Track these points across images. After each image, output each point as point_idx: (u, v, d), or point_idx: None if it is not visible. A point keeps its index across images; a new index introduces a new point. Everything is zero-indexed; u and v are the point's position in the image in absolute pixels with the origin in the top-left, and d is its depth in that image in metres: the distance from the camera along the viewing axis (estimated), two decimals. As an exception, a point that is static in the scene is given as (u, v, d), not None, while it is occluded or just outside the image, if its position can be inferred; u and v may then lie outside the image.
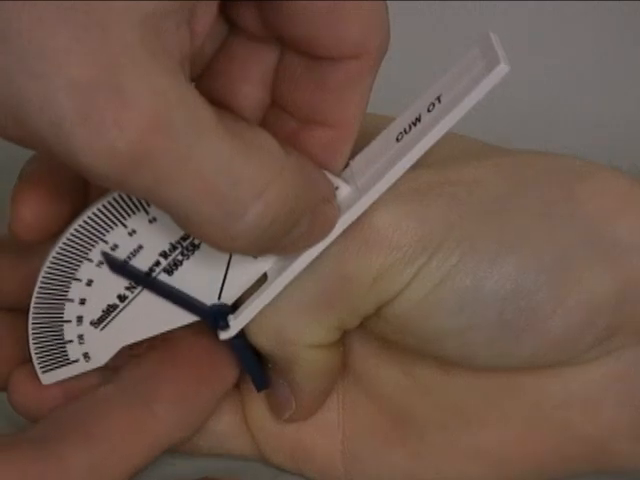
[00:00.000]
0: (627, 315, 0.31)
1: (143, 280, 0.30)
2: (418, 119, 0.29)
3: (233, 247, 0.27)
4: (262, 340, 0.31)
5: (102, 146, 0.23)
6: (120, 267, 0.30)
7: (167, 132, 0.24)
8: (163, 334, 0.32)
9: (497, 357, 0.31)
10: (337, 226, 0.30)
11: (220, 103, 0.29)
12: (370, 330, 0.32)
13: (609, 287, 0.30)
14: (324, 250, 0.30)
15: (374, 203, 0.30)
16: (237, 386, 0.34)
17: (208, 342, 0.33)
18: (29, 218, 0.29)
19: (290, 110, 0.29)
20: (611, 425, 0.32)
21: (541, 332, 0.30)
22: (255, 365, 0.33)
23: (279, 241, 0.28)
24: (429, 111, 0.29)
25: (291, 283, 0.30)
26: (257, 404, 0.34)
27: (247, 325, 0.31)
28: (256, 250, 0.28)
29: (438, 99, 0.29)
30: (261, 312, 0.31)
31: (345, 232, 0.30)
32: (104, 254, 0.30)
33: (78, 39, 0.23)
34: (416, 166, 0.30)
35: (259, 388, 0.33)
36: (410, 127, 0.29)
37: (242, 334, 0.32)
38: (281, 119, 0.30)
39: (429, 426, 0.33)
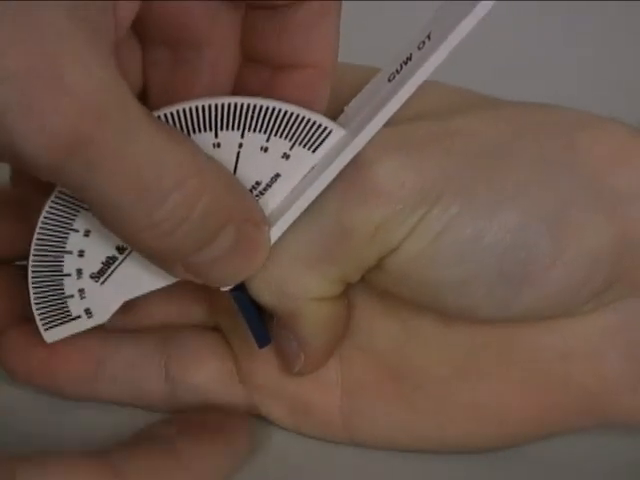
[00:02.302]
0: (626, 266, 0.30)
1: None
2: (409, 58, 0.29)
3: (151, 238, 0.27)
4: (265, 295, 0.31)
5: (44, 133, 0.24)
6: None
7: (103, 118, 0.24)
8: None
9: (497, 309, 0.30)
10: (332, 169, 0.30)
11: (191, 67, 0.30)
12: (371, 283, 0.32)
13: (608, 237, 0.30)
14: (323, 202, 0.30)
15: (374, 155, 0.29)
16: (226, 339, 0.35)
17: (221, 417, 0.33)
18: None
19: (262, 60, 0.30)
20: (611, 377, 0.32)
21: (541, 283, 0.30)
22: (257, 320, 0.32)
23: (200, 250, 0.28)
24: (419, 49, 0.29)
25: (292, 238, 0.30)
26: (255, 360, 0.34)
27: (250, 281, 0.31)
28: (174, 249, 0.28)
29: (428, 37, 0.29)
30: (263, 267, 0.31)
31: (345, 185, 0.30)
32: None
33: (12, 31, 0.23)
34: (416, 118, 0.30)
35: (260, 344, 0.33)
36: (401, 66, 0.30)
37: (244, 288, 0.32)
38: (255, 71, 0.30)
39: (428, 380, 0.33)
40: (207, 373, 0.34)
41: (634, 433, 0.34)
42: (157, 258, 0.29)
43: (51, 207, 0.30)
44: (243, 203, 0.29)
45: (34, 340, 0.32)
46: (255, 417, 0.35)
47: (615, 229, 0.30)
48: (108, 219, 0.27)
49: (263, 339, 0.33)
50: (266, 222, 0.30)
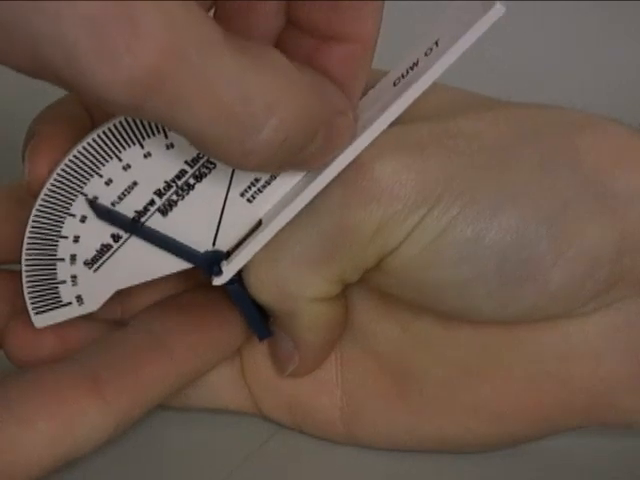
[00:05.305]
0: (626, 267, 0.30)
1: (130, 227, 0.30)
2: (415, 64, 0.29)
3: (249, 163, 0.27)
4: (264, 295, 0.31)
5: (117, 76, 0.23)
6: (106, 213, 0.30)
7: (179, 56, 0.24)
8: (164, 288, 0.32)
9: (497, 309, 0.30)
10: (331, 169, 0.30)
11: (235, 23, 0.30)
12: (370, 284, 0.32)
13: (609, 238, 0.30)
14: (324, 202, 0.30)
15: (375, 155, 0.29)
16: None
17: (216, 302, 0.33)
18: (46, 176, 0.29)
19: (307, 29, 0.29)
20: (612, 377, 0.31)
21: (541, 283, 0.30)
22: (255, 313, 0.32)
23: (295, 156, 0.28)
24: (426, 55, 0.29)
25: (292, 237, 0.30)
26: (255, 359, 0.34)
27: (248, 280, 0.31)
28: (272, 166, 0.28)
29: (436, 43, 0.29)
30: (262, 266, 0.31)
31: (345, 185, 0.30)
32: (88, 201, 0.29)
33: None
34: (417, 119, 0.30)
35: (261, 337, 0.33)
36: (407, 72, 0.30)
37: (241, 282, 0.31)
38: (298, 39, 0.30)
39: (428, 381, 0.33)
40: (215, 370, 0.34)
41: (634, 433, 0.34)
42: (254, 170, 0.29)
43: (50, 189, 0.29)
44: (332, 101, 0.29)
45: (41, 330, 0.31)
46: (256, 416, 0.35)
47: (615, 230, 0.30)
48: (200, 147, 0.27)
49: (262, 331, 0.33)
50: (349, 106, 0.30)
